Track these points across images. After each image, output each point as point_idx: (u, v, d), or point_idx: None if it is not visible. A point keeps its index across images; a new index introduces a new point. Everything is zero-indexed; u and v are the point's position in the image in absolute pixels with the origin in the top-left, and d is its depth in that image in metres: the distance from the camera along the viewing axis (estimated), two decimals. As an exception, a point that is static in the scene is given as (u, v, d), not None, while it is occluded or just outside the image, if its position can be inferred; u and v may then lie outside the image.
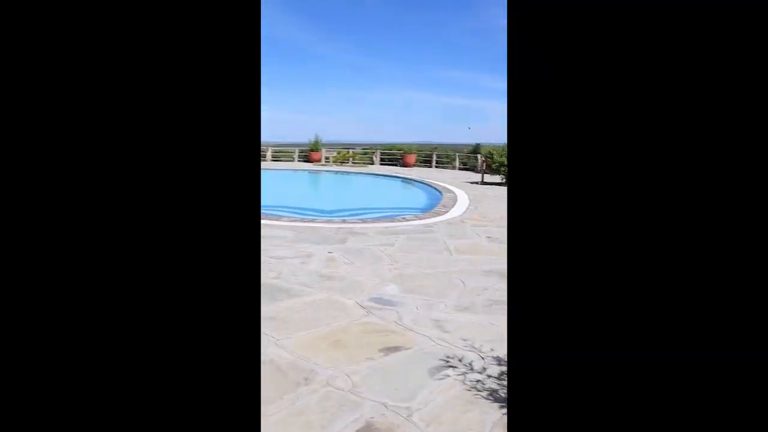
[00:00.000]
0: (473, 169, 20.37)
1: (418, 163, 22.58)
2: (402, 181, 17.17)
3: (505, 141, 12.66)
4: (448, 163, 22.91)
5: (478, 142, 23.18)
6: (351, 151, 24.59)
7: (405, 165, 22.03)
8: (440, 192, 12.80)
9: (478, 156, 19.53)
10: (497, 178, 15.92)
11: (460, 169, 21.64)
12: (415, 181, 16.41)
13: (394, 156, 23.12)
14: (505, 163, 15.22)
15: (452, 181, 15.88)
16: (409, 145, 23.84)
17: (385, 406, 2.47)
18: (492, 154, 15.94)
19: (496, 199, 11.85)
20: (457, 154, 23.04)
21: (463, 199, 11.35)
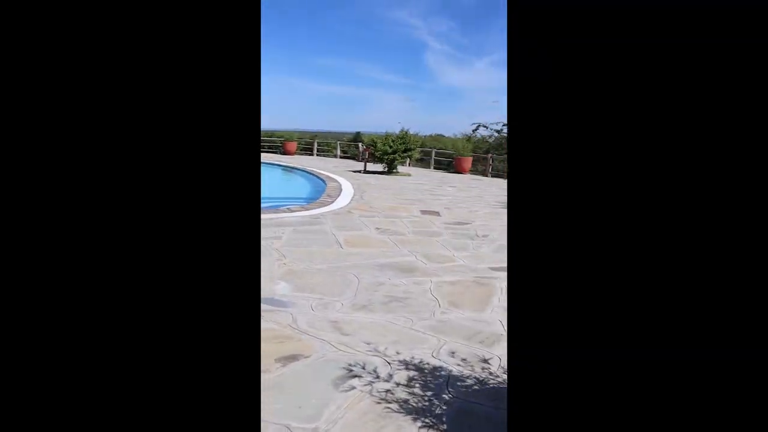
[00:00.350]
0: (354, 157, 20.32)
1: (299, 151, 22.10)
2: (284, 170, 16.64)
3: (387, 130, 12.69)
4: (329, 151, 22.68)
5: (358, 130, 23.20)
6: (227, 137, 23.43)
7: (286, 153, 21.45)
8: (324, 181, 12.53)
9: (360, 144, 19.49)
10: (380, 167, 15.96)
11: (341, 157, 21.51)
12: (298, 169, 15.97)
13: (274, 143, 22.40)
14: (389, 151, 15.29)
15: (335, 169, 15.67)
16: (290, 132, 23.26)
17: (289, 429, 2.19)
18: (375, 143, 15.93)
19: (380, 188, 11.83)
20: (338, 142, 22.88)
21: (347, 189, 11.18)
